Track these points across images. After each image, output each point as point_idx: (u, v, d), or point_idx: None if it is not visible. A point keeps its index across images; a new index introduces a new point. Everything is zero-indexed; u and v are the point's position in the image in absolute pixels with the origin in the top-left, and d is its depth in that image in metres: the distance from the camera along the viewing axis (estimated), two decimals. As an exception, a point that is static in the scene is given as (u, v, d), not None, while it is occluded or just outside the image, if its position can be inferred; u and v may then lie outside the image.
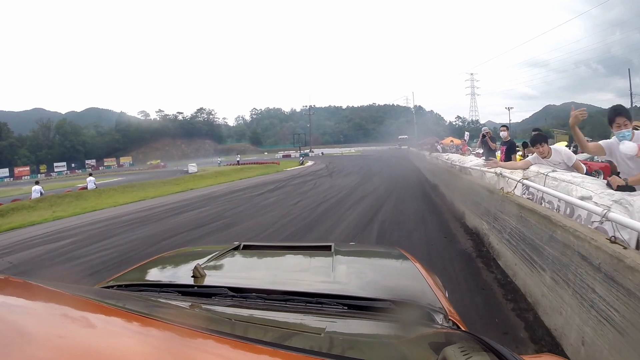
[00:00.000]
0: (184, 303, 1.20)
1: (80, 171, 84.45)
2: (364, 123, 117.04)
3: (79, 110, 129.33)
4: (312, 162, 42.27)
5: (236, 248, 2.12)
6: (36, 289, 0.92)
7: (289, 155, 65.82)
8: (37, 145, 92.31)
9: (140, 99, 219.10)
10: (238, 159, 50.87)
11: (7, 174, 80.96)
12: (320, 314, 1.16)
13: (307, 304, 1.24)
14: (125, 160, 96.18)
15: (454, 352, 0.75)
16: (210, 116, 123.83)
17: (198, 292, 1.38)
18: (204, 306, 1.20)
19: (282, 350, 0.68)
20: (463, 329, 1.26)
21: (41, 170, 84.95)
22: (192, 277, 1.49)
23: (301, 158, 43.41)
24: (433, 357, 0.77)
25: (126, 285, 1.49)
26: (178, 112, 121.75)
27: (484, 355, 0.76)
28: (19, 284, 0.96)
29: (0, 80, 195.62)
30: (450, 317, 1.28)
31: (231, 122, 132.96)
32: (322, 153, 71.17)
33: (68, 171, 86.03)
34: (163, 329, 0.73)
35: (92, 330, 0.70)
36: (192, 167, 40.21)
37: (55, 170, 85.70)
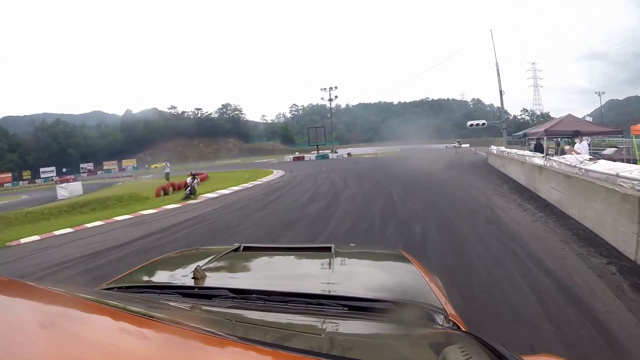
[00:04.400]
0: (184, 304, 1.21)
1: (73, 176, 73.89)
2: (415, 118, 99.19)
3: (135, 112, 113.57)
4: (296, 173, 26.53)
5: (236, 249, 2.10)
6: (37, 291, 0.93)
7: (302, 158, 53.35)
8: (27, 149, 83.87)
9: (196, 98, 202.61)
10: (167, 171, 31.14)
11: None
12: (321, 315, 1.17)
13: (308, 305, 1.25)
14: (129, 163, 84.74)
15: (454, 352, 0.75)
16: (236, 112, 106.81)
17: (199, 293, 1.39)
18: (204, 307, 1.21)
19: (282, 351, 0.68)
20: (463, 329, 1.25)
21: (24, 177, 78.36)
22: (192, 278, 1.49)
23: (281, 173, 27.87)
24: (433, 358, 0.77)
25: (127, 287, 1.49)
26: (196, 109, 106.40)
27: (484, 355, 0.76)
28: (19, 285, 0.97)
29: (62, 82, 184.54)
30: (450, 318, 1.27)
31: (272, 119, 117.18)
32: (348, 154, 53.12)
33: (57, 176, 75.12)
34: (164, 331, 0.73)
35: (93, 332, 0.70)
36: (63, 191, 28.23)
37: (42, 176, 77.21)
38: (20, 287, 0.94)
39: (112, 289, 1.48)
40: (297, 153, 63.56)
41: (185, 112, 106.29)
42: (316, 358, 0.69)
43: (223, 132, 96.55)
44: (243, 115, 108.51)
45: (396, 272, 1.89)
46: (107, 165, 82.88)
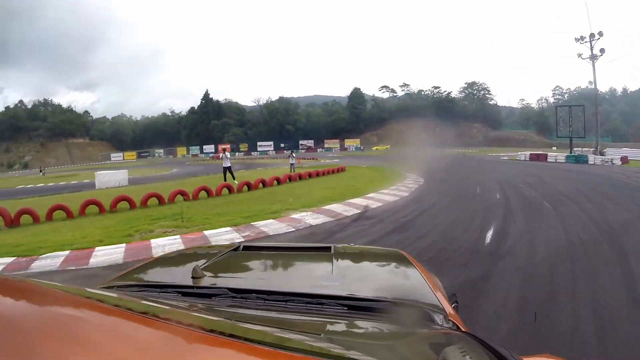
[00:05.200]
0: (184, 304, 1.25)
1: (289, 152, 76.51)
2: None
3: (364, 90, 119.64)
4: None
5: (236, 249, 2.17)
6: (36, 289, 0.96)
7: (543, 157, 37.75)
8: (252, 124, 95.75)
9: (434, 75, 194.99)
10: (227, 165, 20.08)
11: (213, 150, 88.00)
12: (321, 315, 1.21)
13: (307, 305, 1.29)
14: (352, 142, 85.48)
15: (454, 352, 0.78)
16: (483, 93, 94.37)
17: (198, 292, 1.44)
18: (204, 307, 1.24)
19: (282, 351, 0.70)
20: (463, 329, 1.31)
21: (241, 149, 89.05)
22: (192, 277, 1.55)
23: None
24: (433, 358, 0.80)
25: (126, 286, 1.55)
26: (434, 87, 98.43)
27: (483, 355, 0.79)
28: (18, 284, 1.01)
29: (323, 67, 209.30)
30: (450, 318, 1.32)
31: (527, 103, 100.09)
32: (623, 159, 32.59)
33: (274, 151, 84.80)
34: (163, 330, 0.76)
35: (92, 331, 0.72)
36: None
37: (259, 149, 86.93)
38: (19, 286, 0.97)
39: (112, 287, 1.51)
40: (555, 148, 53.36)
41: (422, 90, 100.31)
42: (316, 358, 0.69)
43: (465, 116, 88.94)
44: (491, 97, 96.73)
45: (396, 272, 1.93)
46: (328, 143, 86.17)
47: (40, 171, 53.78)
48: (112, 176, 22.40)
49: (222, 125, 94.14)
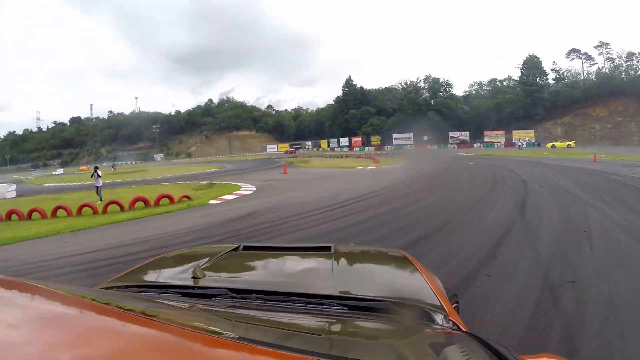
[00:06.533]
0: (184, 304, 1.27)
1: (435, 147, 67.82)
2: None
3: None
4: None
5: (236, 249, 2.20)
6: (36, 289, 0.97)
7: None
8: (393, 112, 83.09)
9: None
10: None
11: (347, 144, 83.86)
12: (321, 315, 1.22)
13: (307, 305, 1.30)
14: (521, 135, 61.42)
15: (454, 352, 0.78)
16: None
17: (198, 293, 1.45)
18: (204, 307, 1.25)
19: (282, 351, 0.70)
20: (463, 329, 1.31)
21: (372, 142, 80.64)
22: (192, 277, 1.57)
23: None
24: (433, 358, 0.80)
25: (127, 286, 1.57)
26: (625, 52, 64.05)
27: (484, 355, 0.79)
28: (19, 284, 1.02)
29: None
30: (450, 318, 1.32)
31: None
32: None
33: (412, 144, 70.92)
34: (163, 330, 0.77)
35: (92, 331, 0.73)
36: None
37: (394, 142, 74.46)
38: (20, 286, 0.98)
39: (112, 288, 1.54)
40: None
41: (633, 53, 64.43)
42: (316, 358, 0.69)
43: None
44: None
45: (396, 272, 1.96)
46: (489, 136, 65.76)
47: (113, 167, 59.04)
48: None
49: (361, 114, 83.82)
